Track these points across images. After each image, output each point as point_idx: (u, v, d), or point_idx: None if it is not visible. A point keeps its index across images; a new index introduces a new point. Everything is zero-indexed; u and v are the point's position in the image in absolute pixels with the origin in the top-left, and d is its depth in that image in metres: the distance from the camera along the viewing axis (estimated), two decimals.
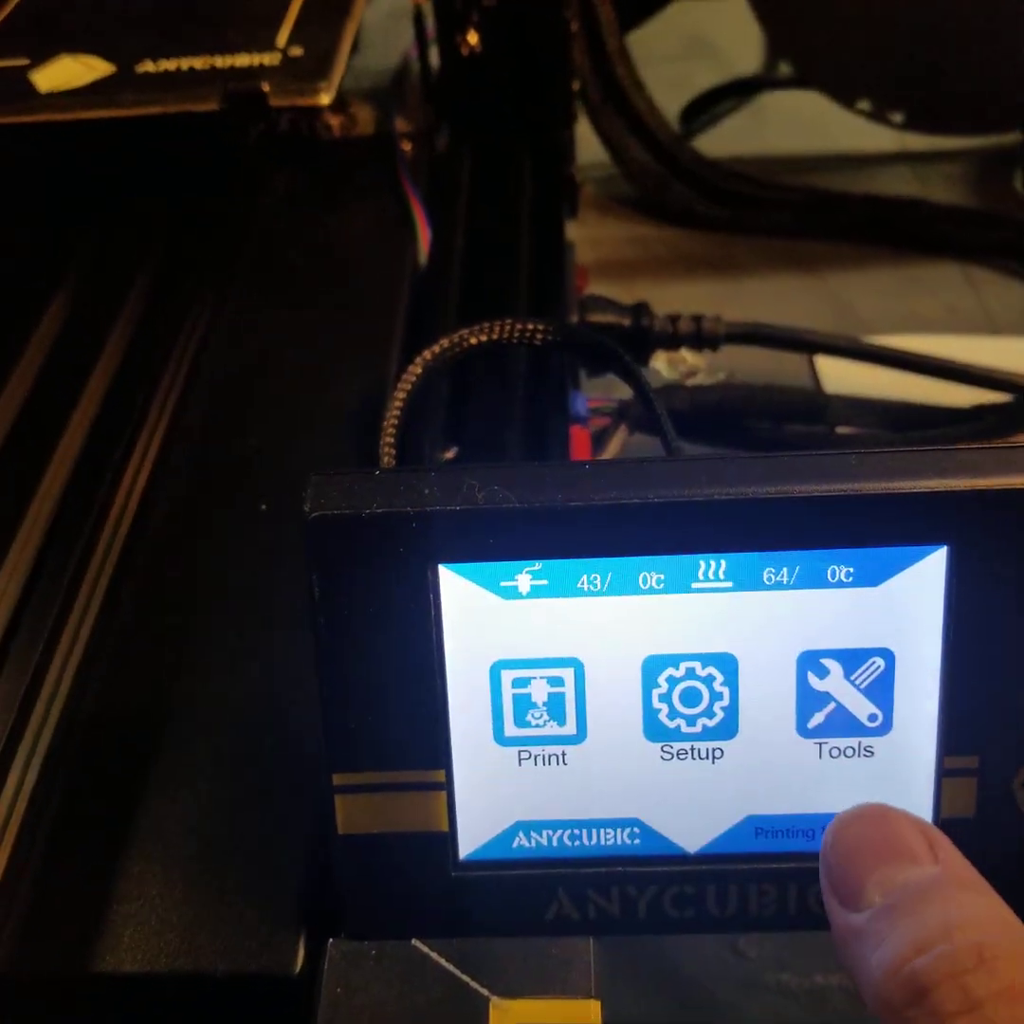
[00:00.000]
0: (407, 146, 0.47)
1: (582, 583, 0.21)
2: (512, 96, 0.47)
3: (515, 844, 0.23)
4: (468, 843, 0.23)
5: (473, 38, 0.44)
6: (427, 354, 0.35)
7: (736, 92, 0.67)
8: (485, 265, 0.43)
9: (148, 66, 0.37)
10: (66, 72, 0.37)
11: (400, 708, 0.22)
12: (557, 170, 0.47)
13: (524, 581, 0.21)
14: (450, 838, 0.22)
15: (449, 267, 0.42)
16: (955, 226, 0.58)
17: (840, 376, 0.51)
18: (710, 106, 0.66)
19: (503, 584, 0.21)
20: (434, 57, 0.49)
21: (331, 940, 0.23)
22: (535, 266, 0.43)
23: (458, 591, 0.21)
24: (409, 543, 0.21)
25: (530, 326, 0.34)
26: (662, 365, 0.52)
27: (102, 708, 0.27)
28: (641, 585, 0.21)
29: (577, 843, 0.23)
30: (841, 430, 0.45)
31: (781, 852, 0.22)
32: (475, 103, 0.47)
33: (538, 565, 0.21)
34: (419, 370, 0.35)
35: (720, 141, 0.66)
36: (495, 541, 0.21)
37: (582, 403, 0.40)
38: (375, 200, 0.45)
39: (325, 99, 0.36)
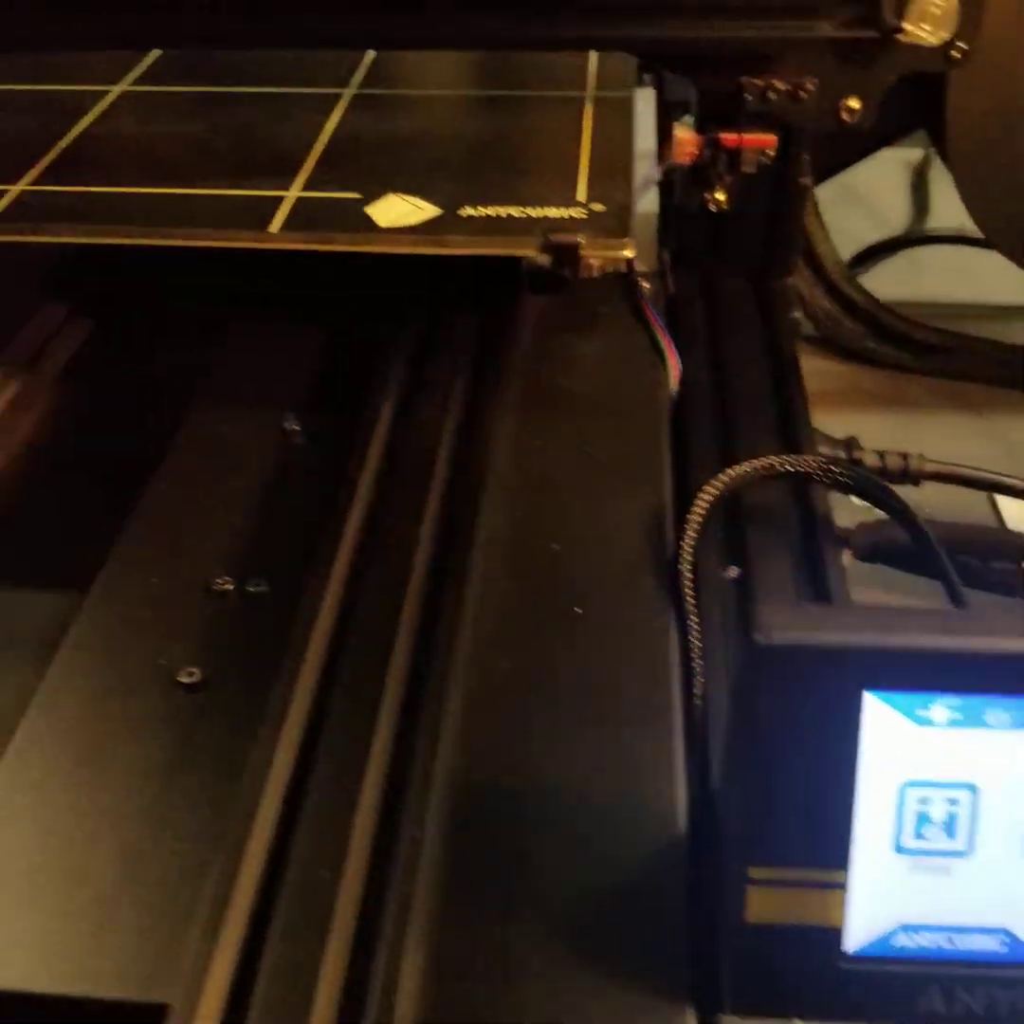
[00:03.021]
0: (646, 284, 0.52)
1: (988, 717, 0.24)
2: (746, 246, 0.52)
3: (896, 942, 0.26)
4: (856, 938, 0.26)
5: (721, 196, 0.49)
6: (724, 477, 0.39)
7: (901, 246, 0.73)
8: (728, 396, 0.47)
9: (469, 210, 0.42)
10: (397, 210, 0.42)
11: (816, 814, 0.25)
12: (782, 313, 0.52)
13: (939, 712, 0.25)
14: (842, 933, 0.25)
15: (698, 396, 0.46)
16: None
17: (1020, 516, 0.55)
18: (875, 256, 0.72)
19: (919, 712, 0.25)
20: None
21: (721, 1016, 0.26)
22: (775, 400, 0.47)
23: (880, 716, 0.25)
24: (844, 671, 0.24)
25: (824, 463, 0.38)
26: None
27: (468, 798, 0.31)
28: None
29: (951, 946, 0.26)
30: None
31: None
32: (710, 249, 0.52)
33: (955, 699, 0.24)
34: (716, 490, 0.39)
35: (876, 286, 0.71)
36: (918, 675, 0.24)
37: None
38: (624, 331, 0.49)
39: (630, 253, 0.41)
